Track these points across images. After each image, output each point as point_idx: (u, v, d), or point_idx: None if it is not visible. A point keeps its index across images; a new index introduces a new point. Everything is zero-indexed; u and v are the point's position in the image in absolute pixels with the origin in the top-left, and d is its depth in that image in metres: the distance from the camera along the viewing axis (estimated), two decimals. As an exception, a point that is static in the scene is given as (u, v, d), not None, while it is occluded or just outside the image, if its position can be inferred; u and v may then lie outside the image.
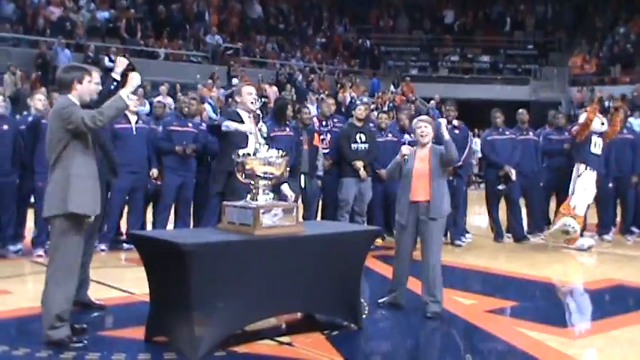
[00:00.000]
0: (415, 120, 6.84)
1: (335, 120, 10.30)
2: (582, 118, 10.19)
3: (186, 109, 9.48)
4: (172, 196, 9.27)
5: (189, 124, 9.40)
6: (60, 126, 5.13)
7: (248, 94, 6.89)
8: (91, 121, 5.04)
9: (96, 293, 6.45)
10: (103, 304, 6.42)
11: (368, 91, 23.22)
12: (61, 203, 5.09)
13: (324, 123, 10.13)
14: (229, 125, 6.85)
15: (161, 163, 9.24)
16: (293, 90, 21.14)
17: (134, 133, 8.93)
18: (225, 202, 5.71)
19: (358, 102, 11.58)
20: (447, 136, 6.40)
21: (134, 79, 5.25)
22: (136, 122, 9.02)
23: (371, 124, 10.40)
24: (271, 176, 5.54)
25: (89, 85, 5.37)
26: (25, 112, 9.71)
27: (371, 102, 18.70)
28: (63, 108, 5.14)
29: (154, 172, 9.16)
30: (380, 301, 6.49)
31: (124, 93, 5.13)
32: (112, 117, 5.18)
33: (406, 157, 6.46)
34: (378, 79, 25.88)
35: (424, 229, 6.27)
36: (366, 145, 9.55)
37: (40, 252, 8.47)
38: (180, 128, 9.28)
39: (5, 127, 8.69)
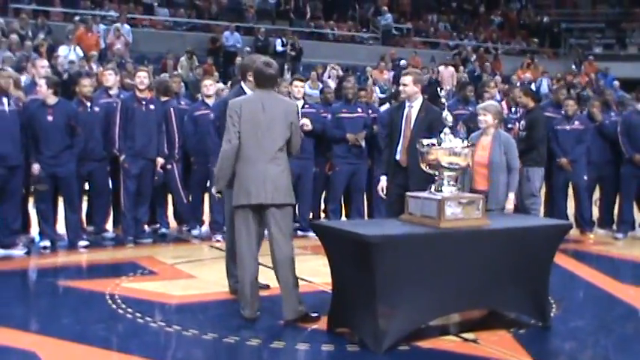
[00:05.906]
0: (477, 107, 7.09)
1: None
2: None
3: (351, 95, 9.52)
4: (343, 185, 9.39)
5: (359, 109, 9.44)
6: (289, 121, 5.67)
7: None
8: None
9: (274, 281, 6.31)
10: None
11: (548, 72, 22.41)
12: (291, 194, 5.74)
13: (513, 110, 9.83)
14: None
15: (330, 150, 9.38)
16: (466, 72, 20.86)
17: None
18: (408, 193, 5.77)
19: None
20: None
21: None
22: None
23: (562, 111, 9.91)
24: (457, 167, 5.53)
25: None
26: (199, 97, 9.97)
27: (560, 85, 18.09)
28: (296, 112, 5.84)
29: None
30: None
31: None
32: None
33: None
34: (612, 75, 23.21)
35: None
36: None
37: (219, 237, 8.80)
38: (349, 115, 9.33)
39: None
